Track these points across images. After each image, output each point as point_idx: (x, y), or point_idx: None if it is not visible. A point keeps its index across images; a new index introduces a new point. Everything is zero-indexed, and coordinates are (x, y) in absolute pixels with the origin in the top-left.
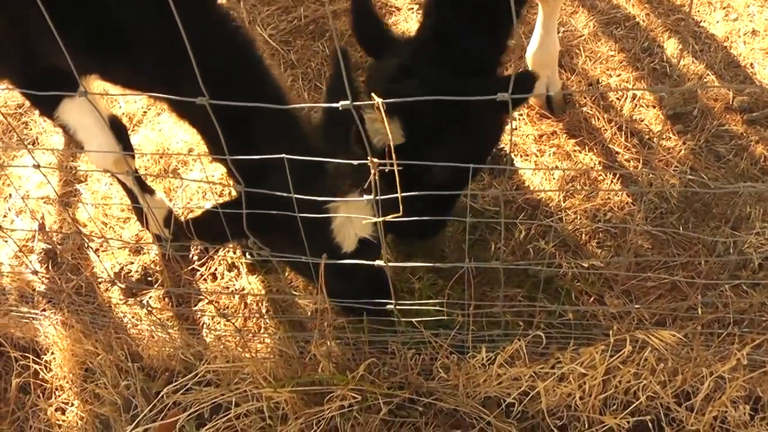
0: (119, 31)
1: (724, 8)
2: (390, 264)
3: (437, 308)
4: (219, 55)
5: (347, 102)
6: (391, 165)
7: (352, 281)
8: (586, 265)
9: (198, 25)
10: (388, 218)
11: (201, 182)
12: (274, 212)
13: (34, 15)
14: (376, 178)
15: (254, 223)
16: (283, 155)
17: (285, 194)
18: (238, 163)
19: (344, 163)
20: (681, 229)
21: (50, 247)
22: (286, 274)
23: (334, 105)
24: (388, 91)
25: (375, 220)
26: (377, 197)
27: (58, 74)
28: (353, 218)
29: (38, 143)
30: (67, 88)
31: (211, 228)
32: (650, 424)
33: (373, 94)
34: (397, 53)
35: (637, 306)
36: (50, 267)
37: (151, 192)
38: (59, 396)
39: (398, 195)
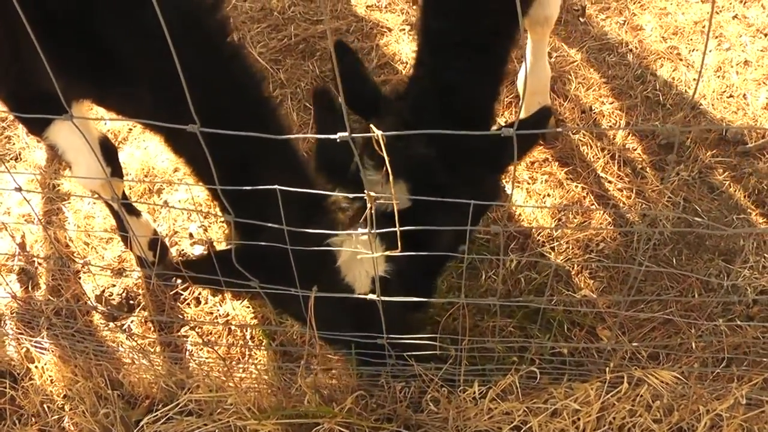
0: (118, 65)
1: (716, 38)
2: (382, 298)
3: (429, 342)
4: (223, 97)
5: (345, 134)
6: (389, 200)
7: (342, 315)
8: (578, 297)
9: (204, 62)
10: (386, 254)
11: (185, 209)
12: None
13: (25, 40)
14: (372, 212)
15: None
16: (276, 186)
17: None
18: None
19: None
20: (674, 261)
21: (30, 267)
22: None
23: (332, 137)
24: (394, 152)
25: (370, 255)
26: (373, 231)
27: (50, 94)
28: (362, 257)
29: (21, 158)
30: (57, 109)
31: (206, 273)
32: None
33: (372, 126)
34: (395, 111)
35: (635, 344)
36: (29, 288)
37: (138, 214)
38: (36, 423)
39: (397, 229)
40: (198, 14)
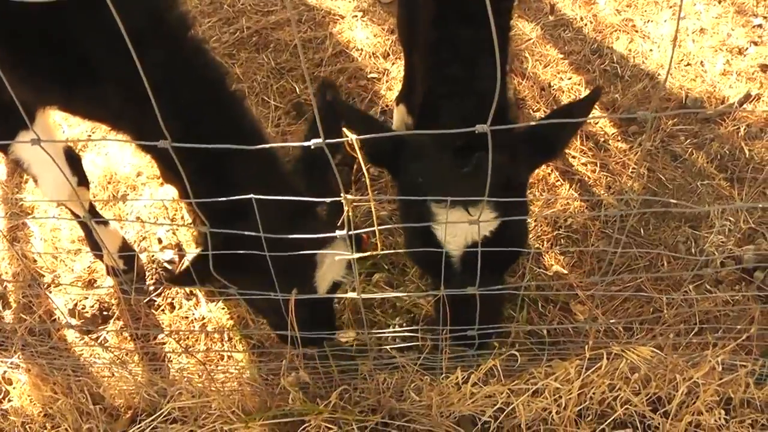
0: (84, 66)
1: (670, 7)
2: (363, 296)
3: (411, 334)
4: (191, 93)
5: (318, 140)
6: (367, 202)
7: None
8: (550, 274)
9: (170, 59)
10: (365, 254)
11: (154, 223)
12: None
13: None
14: (350, 214)
15: (227, 265)
16: (251, 195)
17: (269, 235)
18: (212, 206)
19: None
20: (642, 231)
21: None
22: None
23: (306, 144)
24: (463, 181)
25: (350, 256)
26: (351, 232)
27: (13, 107)
28: (333, 265)
29: None
30: (21, 122)
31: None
32: None
33: (345, 131)
34: (420, 141)
35: (612, 321)
36: (0, 308)
37: (105, 223)
38: None
39: (375, 229)
40: (159, 10)
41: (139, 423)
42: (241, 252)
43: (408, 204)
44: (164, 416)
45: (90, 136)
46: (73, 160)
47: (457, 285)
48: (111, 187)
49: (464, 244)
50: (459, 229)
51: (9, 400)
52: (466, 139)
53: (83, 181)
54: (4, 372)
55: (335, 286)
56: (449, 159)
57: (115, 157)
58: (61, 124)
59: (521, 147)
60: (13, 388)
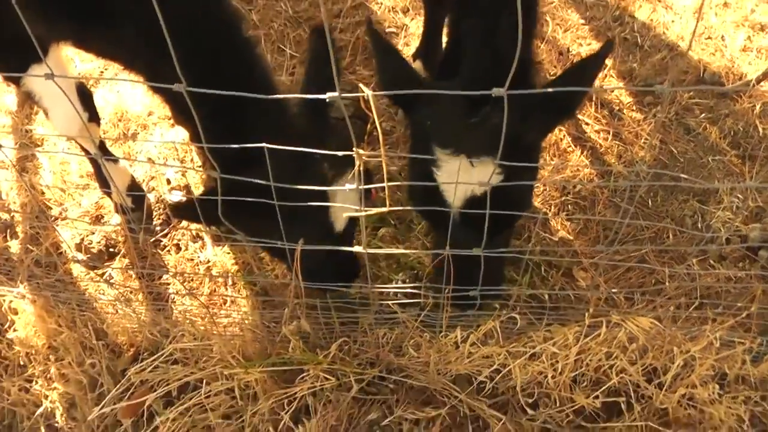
0: (100, 3)
1: None
2: (369, 250)
3: (413, 291)
4: (205, 36)
5: (335, 93)
6: (377, 157)
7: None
8: (556, 239)
9: (187, 2)
10: (372, 211)
11: (163, 165)
12: (259, 200)
13: None
14: (361, 169)
15: (235, 211)
16: (263, 144)
17: (284, 185)
18: (223, 151)
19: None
20: (650, 202)
21: (6, 216)
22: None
23: (321, 96)
24: (473, 129)
25: (360, 214)
26: (361, 187)
27: (28, 39)
28: (345, 199)
29: None
30: (34, 55)
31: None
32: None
33: (361, 86)
34: (443, 88)
35: (614, 290)
36: (7, 237)
37: (115, 160)
38: (22, 374)
39: (385, 185)
40: None
41: (141, 362)
42: (252, 200)
43: (414, 145)
44: (166, 356)
45: (102, 72)
46: (84, 95)
47: (453, 236)
48: (122, 125)
49: (463, 196)
50: (462, 177)
51: (14, 330)
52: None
53: (94, 117)
54: (10, 301)
55: (352, 223)
56: (461, 108)
57: (127, 96)
58: (73, 58)
59: (535, 108)
60: (18, 318)
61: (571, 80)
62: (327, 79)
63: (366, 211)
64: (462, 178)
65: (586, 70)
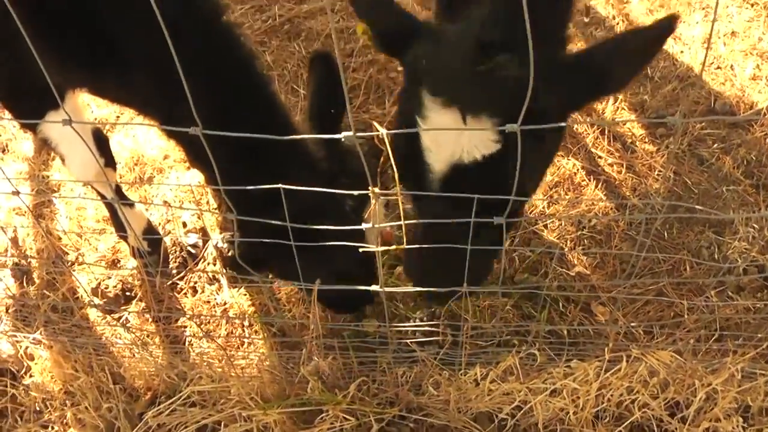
0: (115, 50)
1: (703, 9)
2: (386, 289)
3: (431, 329)
4: (220, 78)
5: (349, 133)
6: (393, 195)
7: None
8: (573, 274)
9: (202, 46)
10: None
11: (180, 207)
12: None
13: (21, 34)
14: (377, 208)
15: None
16: (279, 185)
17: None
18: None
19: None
20: (666, 234)
21: (24, 262)
22: (271, 285)
23: (337, 137)
24: (475, 78)
25: (374, 249)
26: (377, 226)
27: (45, 87)
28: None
29: (8, 150)
30: (51, 102)
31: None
32: None
33: (375, 124)
34: (446, 35)
35: (633, 324)
36: (24, 284)
37: (131, 204)
38: (38, 420)
39: (402, 223)
40: None
41: (158, 405)
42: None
43: (405, 93)
44: (183, 399)
45: (118, 117)
46: (100, 140)
47: (430, 208)
48: (138, 169)
49: (449, 158)
50: (447, 136)
51: (30, 376)
52: (496, 36)
53: (110, 162)
54: (26, 347)
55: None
56: (466, 49)
57: (143, 140)
58: (89, 104)
59: (567, 75)
60: (35, 363)
61: (621, 49)
62: (332, 112)
63: (383, 248)
64: (447, 137)
65: (642, 42)
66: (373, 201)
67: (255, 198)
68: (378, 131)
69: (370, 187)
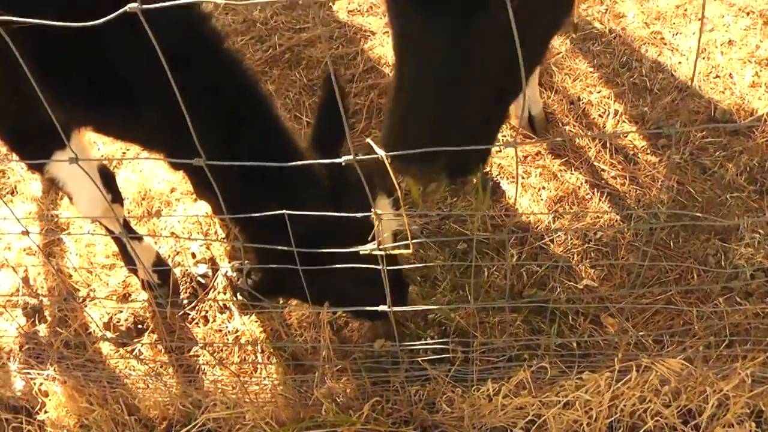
0: (119, 89)
1: (699, 19)
2: (395, 308)
3: (442, 346)
4: (225, 110)
5: (349, 157)
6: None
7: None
8: (581, 287)
9: (205, 77)
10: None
11: (187, 238)
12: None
13: (26, 75)
14: (380, 229)
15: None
16: (284, 211)
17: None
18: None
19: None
20: (672, 243)
21: (35, 301)
22: (281, 311)
23: (337, 161)
24: None
25: (380, 267)
26: (382, 247)
27: (50, 127)
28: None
29: (17, 192)
30: (57, 141)
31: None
32: None
33: (371, 142)
34: None
35: (641, 333)
36: (36, 322)
37: (139, 238)
38: None
39: (409, 242)
40: (195, 25)
41: None
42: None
43: None
44: (199, 427)
45: (125, 153)
46: (107, 177)
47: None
48: (145, 203)
49: None
50: None
51: (45, 412)
52: None
53: (117, 197)
54: (40, 384)
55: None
56: None
57: (149, 174)
58: (96, 141)
59: None
60: (49, 399)
61: None
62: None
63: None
64: None
65: None
66: (376, 223)
67: (267, 223)
68: (378, 154)
69: (372, 209)
